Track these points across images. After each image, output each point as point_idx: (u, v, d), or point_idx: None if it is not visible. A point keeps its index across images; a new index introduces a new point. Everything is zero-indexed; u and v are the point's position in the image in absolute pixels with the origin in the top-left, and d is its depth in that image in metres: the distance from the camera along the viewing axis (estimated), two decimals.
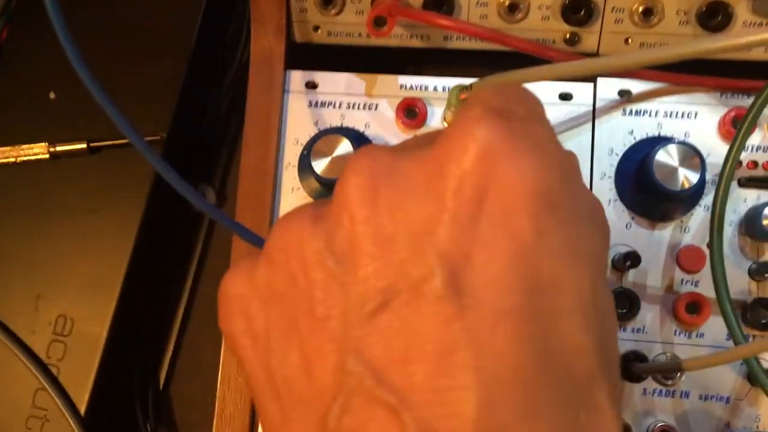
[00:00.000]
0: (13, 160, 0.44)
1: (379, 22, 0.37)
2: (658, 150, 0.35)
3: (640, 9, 0.38)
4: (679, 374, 0.35)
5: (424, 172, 0.20)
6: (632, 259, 0.35)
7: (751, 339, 0.36)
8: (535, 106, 0.23)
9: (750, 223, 0.36)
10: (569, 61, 0.29)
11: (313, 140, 0.37)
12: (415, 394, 0.18)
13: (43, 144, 0.44)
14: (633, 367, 0.33)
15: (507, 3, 0.38)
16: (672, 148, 0.35)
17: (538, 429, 0.18)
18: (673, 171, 0.35)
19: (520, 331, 0.18)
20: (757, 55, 0.38)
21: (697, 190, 0.36)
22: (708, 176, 0.37)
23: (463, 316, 0.18)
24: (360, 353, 0.18)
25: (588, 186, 0.38)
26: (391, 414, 0.18)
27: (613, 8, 0.38)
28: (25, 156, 0.44)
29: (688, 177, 0.35)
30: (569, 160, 0.22)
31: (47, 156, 0.44)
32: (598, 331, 0.19)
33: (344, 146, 0.36)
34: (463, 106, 0.22)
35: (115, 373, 0.43)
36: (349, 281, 0.19)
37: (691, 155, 0.35)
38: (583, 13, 0.38)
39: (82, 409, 0.41)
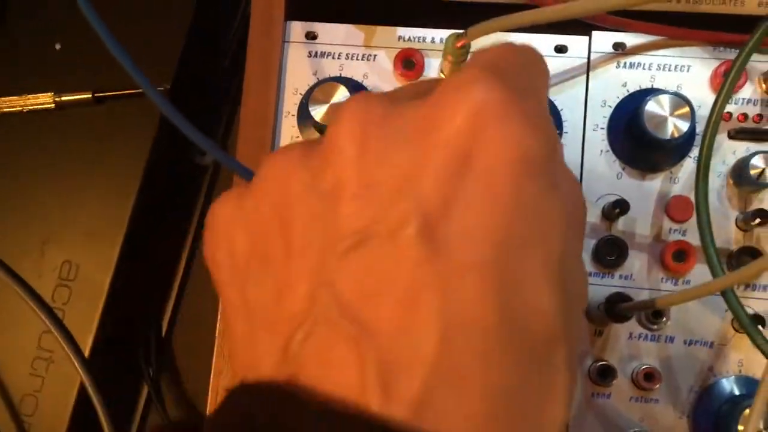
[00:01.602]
0: (19, 109, 0.45)
1: None
2: (649, 99, 0.36)
3: None
4: (664, 319, 0.36)
5: (416, 125, 0.20)
6: (621, 206, 0.36)
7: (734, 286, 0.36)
8: (536, 78, 0.23)
9: (738, 173, 0.37)
10: (559, 5, 0.30)
11: (312, 89, 0.38)
12: (378, 328, 0.18)
13: (49, 94, 0.45)
14: (616, 307, 0.34)
15: None
16: (663, 98, 0.36)
17: (492, 377, 0.18)
18: (663, 120, 0.35)
19: (486, 284, 0.18)
20: (750, 9, 0.39)
21: (687, 140, 0.37)
22: (699, 128, 0.38)
23: (435, 261, 0.18)
24: (331, 286, 0.19)
25: (581, 137, 0.39)
26: (352, 344, 0.18)
27: None
28: (31, 106, 0.45)
29: (678, 126, 0.35)
30: (555, 137, 0.22)
31: (53, 106, 0.45)
32: (562, 298, 0.20)
33: (341, 93, 0.37)
34: (466, 63, 0.22)
35: (118, 319, 0.45)
36: (329, 218, 0.20)
37: (682, 105, 0.35)
38: None
39: (87, 352, 0.42)
